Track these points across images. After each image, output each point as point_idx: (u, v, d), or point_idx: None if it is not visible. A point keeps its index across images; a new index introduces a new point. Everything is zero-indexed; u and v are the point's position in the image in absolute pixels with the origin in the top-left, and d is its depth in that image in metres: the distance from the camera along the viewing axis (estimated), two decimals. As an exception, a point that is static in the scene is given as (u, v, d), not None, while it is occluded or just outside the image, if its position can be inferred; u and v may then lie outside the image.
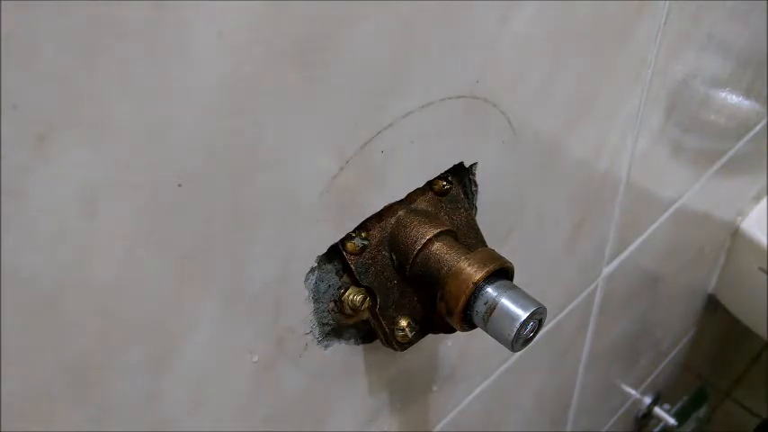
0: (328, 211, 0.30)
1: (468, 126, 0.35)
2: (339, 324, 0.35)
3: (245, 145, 0.25)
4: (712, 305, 1.10)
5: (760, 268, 0.97)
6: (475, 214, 0.39)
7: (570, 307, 0.61)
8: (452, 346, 0.45)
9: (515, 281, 0.33)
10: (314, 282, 0.32)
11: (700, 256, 0.93)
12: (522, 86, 0.37)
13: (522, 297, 0.31)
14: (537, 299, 0.32)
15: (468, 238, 0.38)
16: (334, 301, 0.34)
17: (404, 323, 0.35)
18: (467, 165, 0.37)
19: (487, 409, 0.57)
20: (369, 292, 0.34)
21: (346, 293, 0.34)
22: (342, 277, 0.34)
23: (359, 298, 0.33)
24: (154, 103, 0.22)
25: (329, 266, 0.33)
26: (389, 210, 0.34)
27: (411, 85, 0.30)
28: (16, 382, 0.23)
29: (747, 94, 0.69)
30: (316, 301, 0.33)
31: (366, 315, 0.35)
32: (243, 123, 0.25)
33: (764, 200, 0.99)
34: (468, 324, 0.33)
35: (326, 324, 0.34)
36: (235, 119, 0.24)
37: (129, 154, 0.22)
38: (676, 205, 0.70)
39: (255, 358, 0.31)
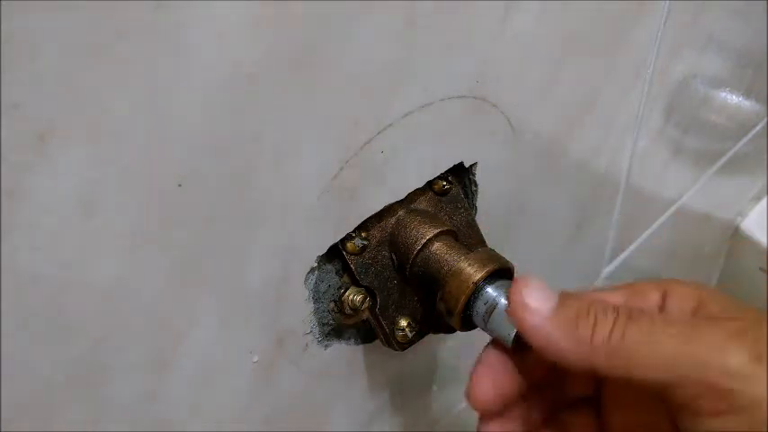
0: (328, 211, 0.30)
1: (468, 126, 0.35)
2: (339, 324, 0.35)
3: (244, 145, 0.25)
4: (712, 305, 1.10)
5: (760, 268, 0.97)
6: (475, 214, 0.39)
7: (570, 307, 0.61)
8: (452, 346, 0.45)
9: (515, 281, 0.33)
10: (314, 282, 0.32)
11: (700, 256, 0.93)
12: (522, 86, 0.37)
13: (522, 297, 0.31)
14: (537, 299, 0.32)
15: (468, 238, 0.38)
16: (335, 301, 0.34)
17: (404, 323, 0.35)
18: (467, 165, 0.37)
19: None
20: (369, 292, 0.34)
21: (346, 293, 0.34)
22: (342, 277, 0.34)
23: (359, 298, 0.33)
24: (154, 103, 0.22)
25: (329, 266, 0.33)
26: (389, 210, 0.34)
27: (411, 86, 0.30)
28: (16, 381, 0.23)
29: (747, 94, 0.69)
30: (316, 301, 0.33)
31: (366, 315, 0.35)
32: (243, 123, 0.25)
33: (764, 200, 0.99)
34: (468, 324, 0.33)
35: (326, 324, 0.34)
36: (234, 119, 0.24)
37: (130, 154, 0.22)
38: (676, 205, 0.70)
39: (255, 358, 0.31)
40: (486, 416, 0.31)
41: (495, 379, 0.30)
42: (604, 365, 0.25)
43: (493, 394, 0.30)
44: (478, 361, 0.31)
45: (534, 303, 0.27)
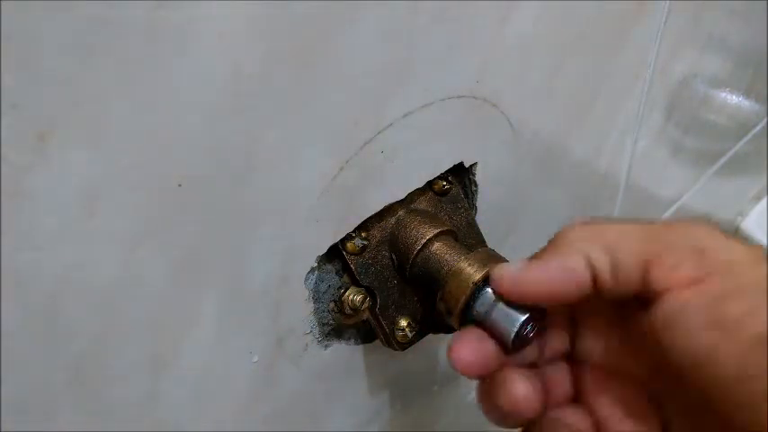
0: (328, 211, 0.30)
1: (468, 126, 0.35)
2: (339, 324, 0.35)
3: (244, 145, 0.25)
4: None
5: (760, 268, 0.97)
6: (475, 214, 0.39)
7: (570, 307, 0.61)
8: (452, 346, 0.45)
9: (515, 281, 0.33)
10: (314, 282, 0.32)
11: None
12: (522, 86, 0.37)
13: (522, 297, 0.31)
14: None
15: (469, 238, 0.38)
16: (335, 301, 0.34)
17: (404, 323, 0.35)
18: (467, 165, 0.37)
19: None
20: (369, 292, 0.34)
21: (346, 293, 0.34)
22: (342, 277, 0.34)
23: (359, 298, 0.33)
24: (154, 104, 0.22)
25: (329, 266, 0.33)
26: (389, 210, 0.34)
27: (411, 86, 0.30)
28: (16, 382, 0.23)
29: (747, 94, 0.69)
30: (316, 301, 0.33)
31: (366, 315, 0.35)
32: (243, 123, 0.25)
33: (764, 200, 0.99)
34: (468, 324, 0.33)
35: (326, 324, 0.34)
36: (234, 119, 0.24)
37: (129, 154, 0.22)
38: (676, 205, 0.70)
39: (256, 358, 0.31)
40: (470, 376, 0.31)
41: (478, 346, 0.30)
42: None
43: (474, 358, 0.30)
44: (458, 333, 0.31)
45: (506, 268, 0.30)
